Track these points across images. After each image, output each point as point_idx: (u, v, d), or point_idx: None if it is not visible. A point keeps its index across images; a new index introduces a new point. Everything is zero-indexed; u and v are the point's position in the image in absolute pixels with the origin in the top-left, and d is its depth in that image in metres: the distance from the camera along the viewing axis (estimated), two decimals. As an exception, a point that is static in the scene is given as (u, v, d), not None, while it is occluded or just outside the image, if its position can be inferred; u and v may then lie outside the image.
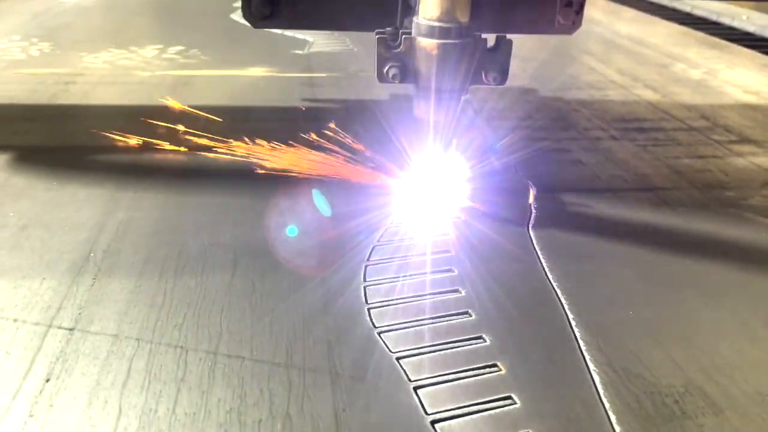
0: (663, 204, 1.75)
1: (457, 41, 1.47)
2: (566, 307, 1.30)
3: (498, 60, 1.62)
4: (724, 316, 1.31)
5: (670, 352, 1.19)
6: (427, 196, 1.69)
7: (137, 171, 1.81)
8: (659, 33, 3.98)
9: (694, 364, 1.16)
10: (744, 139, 2.23)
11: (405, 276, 1.39)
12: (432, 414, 1.03)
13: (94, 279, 1.33)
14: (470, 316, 1.27)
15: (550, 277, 1.40)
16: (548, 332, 1.23)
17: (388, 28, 1.54)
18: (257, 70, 2.83)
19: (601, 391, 1.09)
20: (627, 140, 2.19)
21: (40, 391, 1.03)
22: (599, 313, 1.29)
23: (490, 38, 1.62)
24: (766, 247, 1.57)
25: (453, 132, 1.64)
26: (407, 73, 1.55)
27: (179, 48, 3.14)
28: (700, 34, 3.96)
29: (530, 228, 1.60)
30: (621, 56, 3.38)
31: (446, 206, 1.68)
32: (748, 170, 1.99)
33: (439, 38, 1.47)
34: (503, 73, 1.64)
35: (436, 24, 1.46)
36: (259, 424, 0.99)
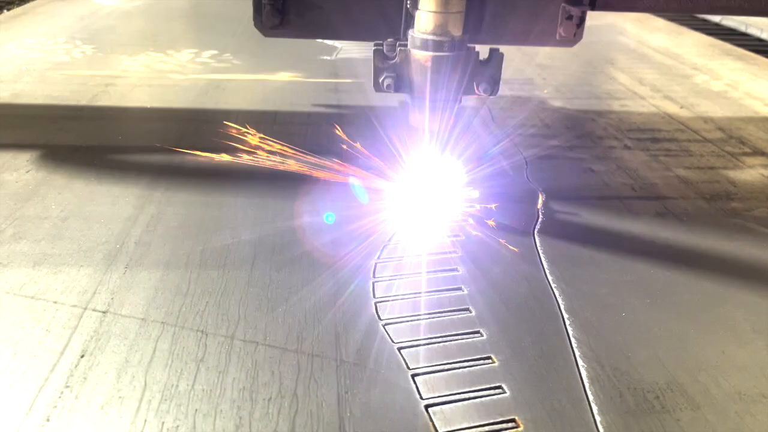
0: (668, 213, 1.81)
1: (448, 54, 1.56)
2: (562, 307, 1.38)
3: (489, 72, 1.70)
4: (716, 321, 1.37)
5: (657, 351, 1.26)
6: (429, 199, 1.78)
7: (169, 169, 1.93)
8: (686, 43, 4.00)
9: (680, 364, 1.23)
10: (757, 152, 2.27)
11: (411, 274, 1.48)
12: (426, 399, 1.12)
13: (126, 267, 1.45)
14: (470, 312, 1.36)
15: (550, 279, 1.48)
16: (543, 330, 1.31)
17: (388, 40, 1.63)
18: (285, 75, 2.95)
19: (587, 385, 1.17)
20: (639, 150, 2.25)
21: (76, 366, 1.15)
22: (594, 313, 1.37)
23: (485, 50, 1.70)
24: (765, 256, 1.62)
25: (448, 139, 1.73)
26: (401, 82, 1.64)
27: (213, 52, 3.27)
28: (728, 45, 3.97)
29: (536, 232, 1.67)
30: (644, 66, 3.42)
31: (452, 208, 1.77)
32: (757, 182, 2.03)
33: (431, 51, 1.56)
34: (494, 84, 1.72)
35: (429, 37, 1.55)
36: (268, 401, 1.09)
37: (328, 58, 3.28)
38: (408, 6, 1.60)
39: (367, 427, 1.06)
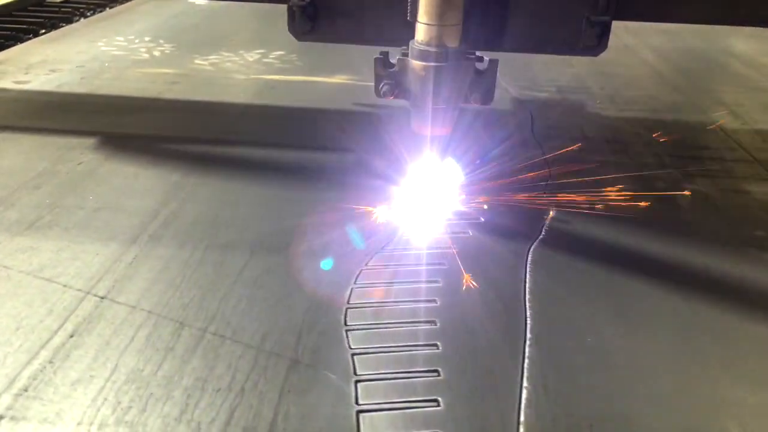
0: (684, 236, 1.76)
1: (443, 64, 1.60)
2: (529, 326, 1.39)
3: (482, 82, 1.72)
4: (682, 352, 1.34)
5: (610, 379, 1.26)
6: (425, 204, 1.83)
7: (200, 165, 2.09)
8: (778, 52, 3.74)
9: (629, 393, 1.22)
10: (810, 177, 2.13)
11: (389, 282, 1.54)
12: (361, 405, 1.18)
13: (134, 258, 1.60)
14: (435, 324, 1.40)
15: (528, 296, 1.49)
16: (501, 347, 1.34)
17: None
18: (341, 77, 3.05)
19: (523, 407, 1.19)
20: (674, 168, 2.17)
21: (63, 344, 1.31)
22: (558, 335, 1.37)
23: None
24: (763, 290, 1.55)
25: (448, 143, 1.77)
26: (400, 90, 1.70)
27: (280, 53, 3.43)
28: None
29: (531, 249, 1.68)
30: (717, 76, 3.25)
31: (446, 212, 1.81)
32: (794, 209, 1.92)
33: (427, 61, 1.60)
34: (487, 94, 1.74)
35: (425, 48, 1.59)
36: (216, 392, 1.20)
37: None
38: (408, 18, 1.65)
39: (296, 425, 1.14)
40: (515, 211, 1.86)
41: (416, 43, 1.61)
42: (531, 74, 3.13)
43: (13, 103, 2.61)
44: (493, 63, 1.73)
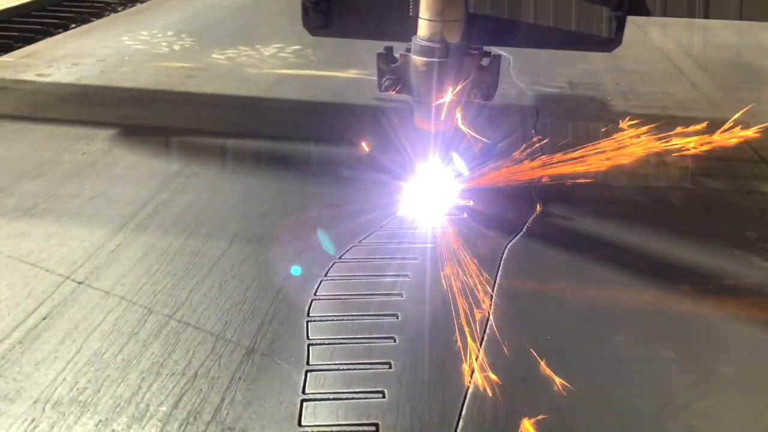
0: (672, 243, 1.72)
1: (443, 59, 1.60)
2: (490, 323, 1.39)
3: (487, 77, 1.72)
4: (635, 357, 1.32)
5: (555, 380, 1.24)
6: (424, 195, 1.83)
7: (203, 154, 2.14)
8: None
9: (572, 394, 1.21)
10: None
11: (361, 275, 1.55)
12: (307, 394, 1.20)
13: (117, 246, 1.65)
14: (397, 318, 1.41)
15: (496, 293, 1.49)
16: (458, 342, 1.34)
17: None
18: (352, 72, 3.07)
19: (467, 402, 1.19)
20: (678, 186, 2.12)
21: (35, 326, 1.37)
22: (520, 334, 1.36)
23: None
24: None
25: (451, 137, 1.77)
26: (402, 85, 1.71)
27: (296, 47, 3.47)
28: None
29: (509, 245, 1.67)
30: (743, 73, 3.14)
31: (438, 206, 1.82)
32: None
33: (428, 56, 1.61)
34: (489, 90, 1.73)
35: (426, 43, 1.60)
36: (170, 377, 1.24)
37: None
38: (410, 14, 1.66)
39: (239, 411, 1.16)
40: (501, 205, 1.84)
41: (418, 39, 1.62)
42: (547, 69, 3.09)
43: (32, 95, 2.71)
44: (496, 59, 1.72)
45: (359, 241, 1.69)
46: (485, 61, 1.73)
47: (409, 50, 1.67)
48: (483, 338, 1.35)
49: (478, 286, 1.51)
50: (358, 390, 1.22)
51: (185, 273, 1.55)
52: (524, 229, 1.75)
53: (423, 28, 1.60)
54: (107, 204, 1.85)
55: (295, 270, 1.57)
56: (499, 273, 1.56)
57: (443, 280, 1.52)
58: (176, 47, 3.48)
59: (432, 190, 1.84)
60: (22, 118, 2.45)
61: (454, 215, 1.81)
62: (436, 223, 1.77)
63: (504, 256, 1.63)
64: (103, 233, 1.71)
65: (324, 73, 3.07)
